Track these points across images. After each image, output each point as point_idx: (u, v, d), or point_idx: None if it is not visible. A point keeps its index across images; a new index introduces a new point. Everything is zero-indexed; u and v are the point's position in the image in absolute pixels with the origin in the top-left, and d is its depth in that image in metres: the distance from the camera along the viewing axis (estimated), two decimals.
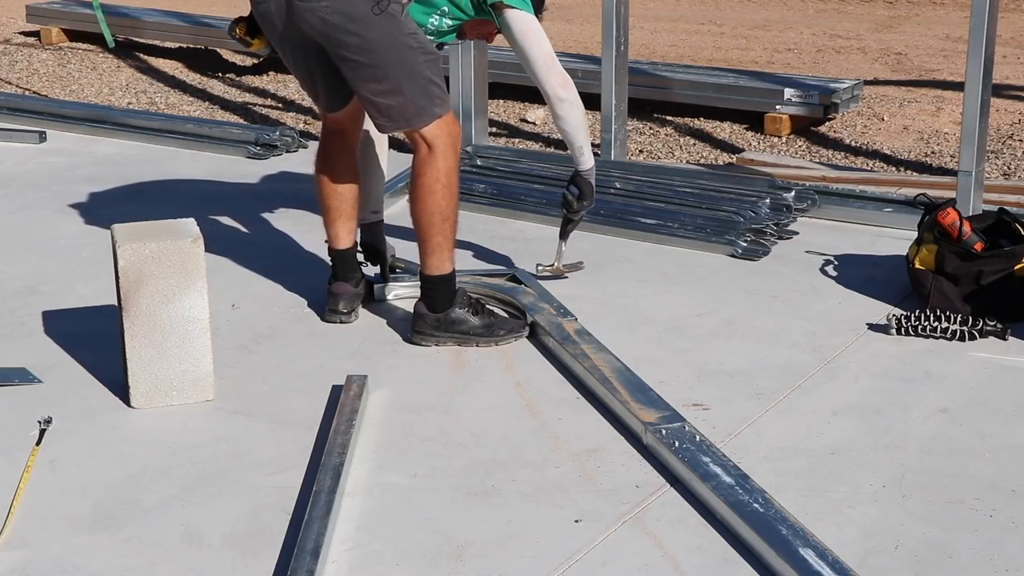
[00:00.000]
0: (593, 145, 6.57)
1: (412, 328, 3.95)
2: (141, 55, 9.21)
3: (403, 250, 4.55)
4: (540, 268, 4.39)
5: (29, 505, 3.06)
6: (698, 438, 3.22)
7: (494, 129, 6.82)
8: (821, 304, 4.20)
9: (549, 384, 3.68)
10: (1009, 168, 6.04)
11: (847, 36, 9.43)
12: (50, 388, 3.68)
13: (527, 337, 3.97)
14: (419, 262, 3.93)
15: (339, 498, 3.01)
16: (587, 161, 4.31)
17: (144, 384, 3.52)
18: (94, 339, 3.93)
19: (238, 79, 8.46)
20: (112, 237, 3.53)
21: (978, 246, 4.08)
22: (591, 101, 6.79)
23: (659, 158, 6.41)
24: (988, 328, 3.89)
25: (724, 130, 6.86)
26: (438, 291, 3.91)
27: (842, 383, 3.65)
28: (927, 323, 3.89)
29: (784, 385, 3.63)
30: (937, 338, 3.88)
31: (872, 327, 4.00)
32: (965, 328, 3.87)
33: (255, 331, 4.07)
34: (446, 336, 3.92)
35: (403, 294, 4.30)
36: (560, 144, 6.70)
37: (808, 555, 2.71)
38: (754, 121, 6.88)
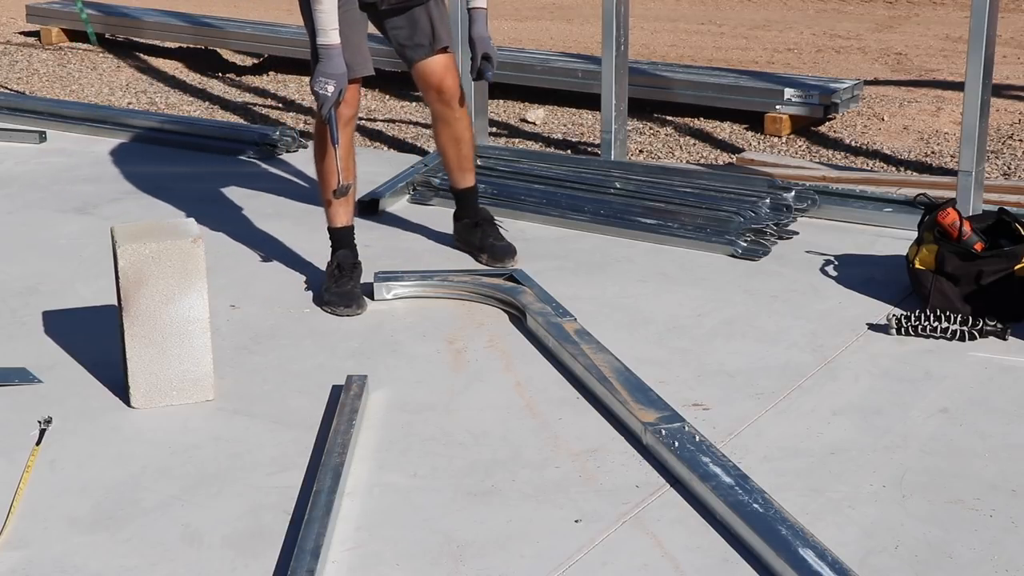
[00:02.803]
0: (593, 145, 6.60)
1: None
2: (141, 55, 9.21)
3: (407, 250, 4.55)
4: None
5: (29, 505, 3.06)
6: (698, 438, 3.22)
7: (494, 129, 6.82)
8: (821, 304, 4.20)
9: (549, 384, 3.68)
10: (1009, 168, 6.04)
11: (847, 36, 9.43)
12: (50, 388, 3.68)
13: (527, 337, 3.98)
14: None
15: (339, 498, 3.01)
16: None
17: (144, 384, 3.52)
18: (94, 339, 3.93)
19: (238, 79, 8.47)
20: (112, 237, 3.52)
21: (978, 246, 4.08)
22: (591, 101, 6.80)
23: (659, 158, 6.41)
24: (988, 328, 3.89)
25: (724, 130, 6.86)
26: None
27: (842, 383, 3.65)
28: (927, 323, 3.89)
29: (784, 385, 3.63)
30: (937, 338, 3.88)
31: (872, 327, 4.00)
32: (965, 328, 3.87)
33: (255, 331, 4.07)
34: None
35: (403, 293, 4.30)
36: (560, 144, 6.70)
37: (808, 555, 2.71)
38: (754, 121, 6.88)
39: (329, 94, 4.03)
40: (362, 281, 4.40)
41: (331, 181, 4.22)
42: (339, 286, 4.23)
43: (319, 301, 4.26)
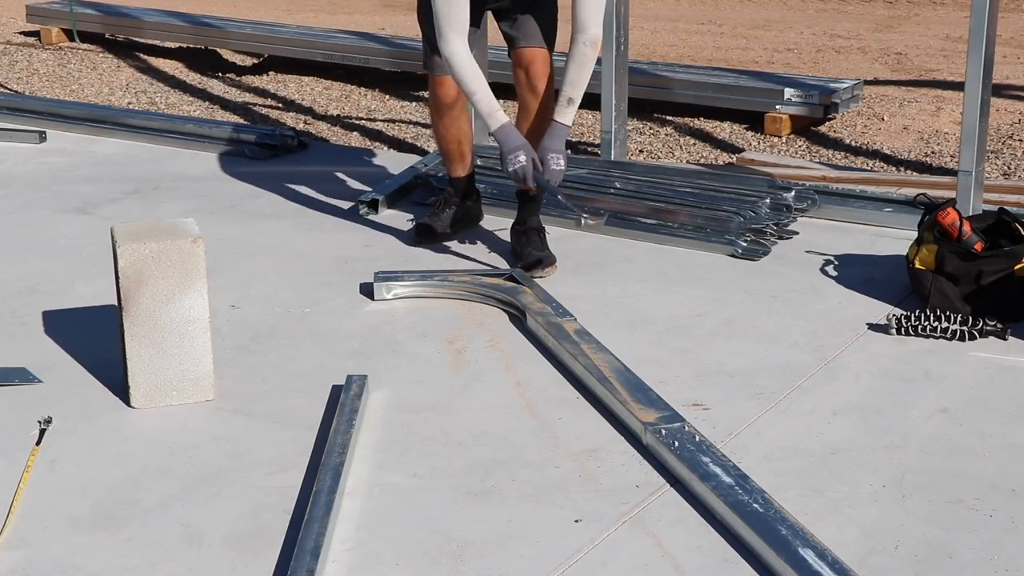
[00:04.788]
0: (593, 145, 6.60)
1: None
2: (141, 55, 9.21)
3: (402, 254, 4.54)
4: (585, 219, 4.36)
5: (29, 505, 3.06)
6: (698, 438, 3.22)
7: None
8: (821, 304, 4.20)
9: (549, 384, 3.68)
10: (1009, 168, 6.04)
11: (847, 36, 9.43)
12: (50, 388, 3.68)
13: (527, 337, 3.98)
14: None
15: (339, 498, 3.01)
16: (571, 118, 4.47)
17: (144, 384, 3.52)
18: (94, 339, 3.93)
19: (238, 79, 8.47)
20: (112, 237, 3.52)
21: (978, 246, 4.08)
22: (591, 101, 6.80)
23: (659, 158, 6.42)
24: (988, 328, 3.89)
25: (724, 130, 6.86)
26: None
27: (842, 383, 3.65)
28: (927, 323, 3.89)
29: (784, 385, 3.63)
30: (937, 338, 3.88)
31: (872, 327, 4.00)
32: (965, 328, 3.87)
33: (255, 331, 4.07)
34: None
35: (403, 293, 4.30)
36: None
37: (808, 555, 2.71)
38: (754, 121, 6.88)
39: (522, 165, 4.24)
40: (362, 281, 4.41)
41: (448, 152, 4.79)
42: (432, 219, 4.81)
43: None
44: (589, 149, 6.57)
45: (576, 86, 4.40)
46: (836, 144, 6.57)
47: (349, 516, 2.99)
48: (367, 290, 4.33)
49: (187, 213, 5.01)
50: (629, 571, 2.77)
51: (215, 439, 3.38)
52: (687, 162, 6.31)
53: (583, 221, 4.30)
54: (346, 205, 5.26)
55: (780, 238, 4.75)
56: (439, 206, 4.87)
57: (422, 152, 6.30)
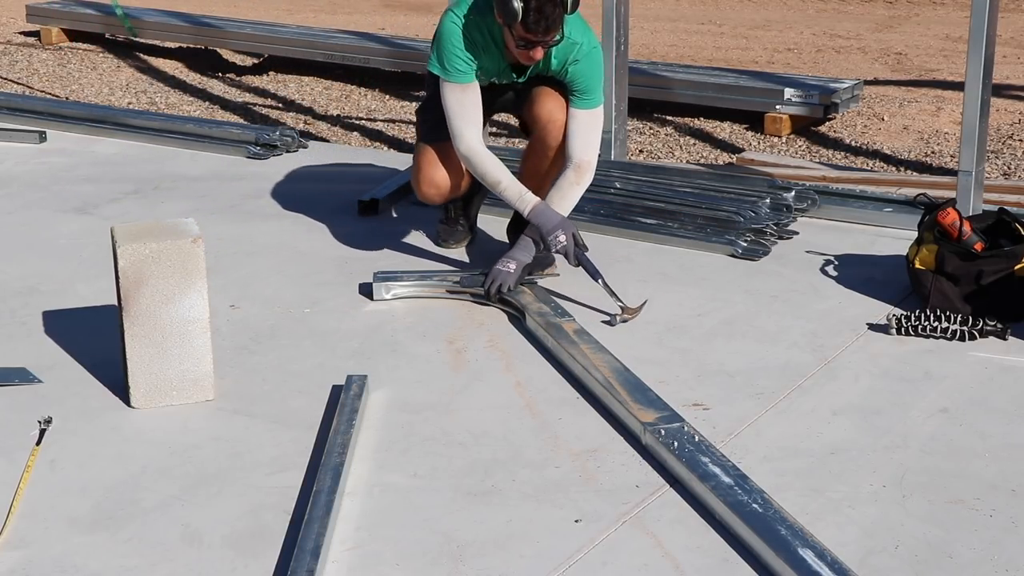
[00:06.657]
0: None
1: None
2: (141, 55, 9.22)
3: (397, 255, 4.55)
4: (617, 319, 4.06)
5: (29, 505, 3.06)
6: (697, 438, 3.22)
7: (494, 129, 6.82)
8: (821, 304, 4.20)
9: (549, 384, 3.68)
10: (1009, 168, 6.04)
11: (847, 36, 9.43)
12: (50, 388, 3.68)
13: (526, 337, 3.98)
14: None
15: (339, 498, 3.01)
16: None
17: (144, 384, 3.52)
18: (94, 339, 3.93)
19: (238, 79, 8.47)
20: (112, 237, 3.52)
21: (978, 246, 4.08)
22: None
23: (659, 158, 6.42)
24: (988, 328, 3.89)
25: (724, 130, 6.86)
26: None
27: (842, 383, 3.65)
28: (927, 323, 3.89)
29: (784, 385, 3.63)
30: (937, 338, 3.88)
31: (872, 327, 4.00)
32: (965, 328, 3.87)
33: (255, 331, 4.07)
34: None
35: (403, 293, 4.30)
36: None
37: (807, 555, 2.72)
38: (754, 121, 6.88)
39: (563, 244, 4.14)
40: (361, 281, 4.41)
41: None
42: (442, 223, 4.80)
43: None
44: None
45: (559, 206, 4.25)
46: (836, 144, 6.57)
47: (349, 516, 2.99)
48: (367, 290, 4.33)
49: (187, 213, 5.01)
50: (629, 571, 2.77)
51: (215, 439, 3.39)
52: (687, 162, 6.32)
53: (614, 319, 4.03)
54: (346, 206, 5.26)
55: (780, 238, 4.75)
56: (449, 207, 4.84)
57: None
